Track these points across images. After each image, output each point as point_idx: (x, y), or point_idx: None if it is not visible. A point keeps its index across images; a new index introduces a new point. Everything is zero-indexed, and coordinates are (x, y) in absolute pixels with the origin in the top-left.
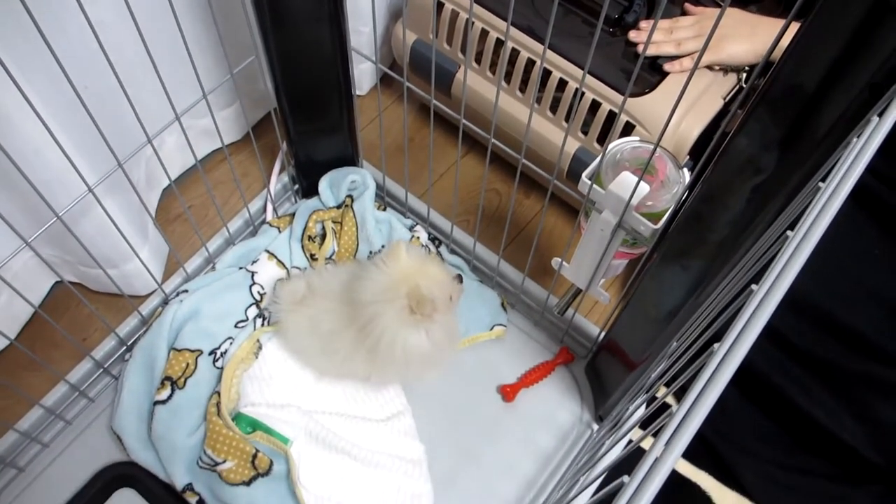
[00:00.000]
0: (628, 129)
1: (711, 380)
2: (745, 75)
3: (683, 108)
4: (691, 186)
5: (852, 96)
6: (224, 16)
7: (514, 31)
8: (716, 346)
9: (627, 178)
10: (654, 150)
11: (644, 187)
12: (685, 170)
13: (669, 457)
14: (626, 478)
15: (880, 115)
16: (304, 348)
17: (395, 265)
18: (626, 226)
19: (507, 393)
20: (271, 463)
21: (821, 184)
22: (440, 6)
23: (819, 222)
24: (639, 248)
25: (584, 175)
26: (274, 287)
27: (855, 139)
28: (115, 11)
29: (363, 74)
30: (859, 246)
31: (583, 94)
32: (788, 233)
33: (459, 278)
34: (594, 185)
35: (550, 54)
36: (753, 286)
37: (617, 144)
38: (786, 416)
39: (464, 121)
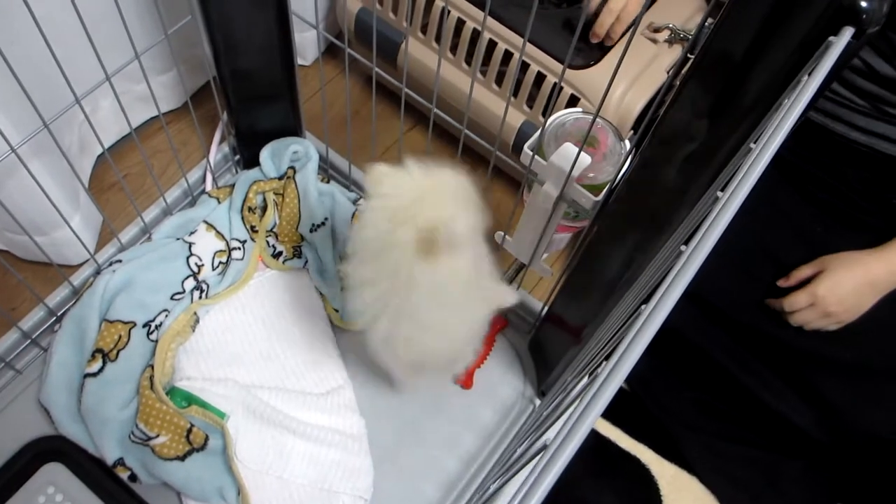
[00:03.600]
0: (573, 102)
1: (636, 337)
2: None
3: (627, 82)
4: (629, 158)
5: (783, 59)
6: None
7: (459, 1)
8: (643, 307)
9: (569, 150)
10: (594, 120)
11: (586, 158)
12: (627, 141)
13: (590, 414)
14: (548, 437)
15: (810, 73)
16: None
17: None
18: (567, 198)
19: (465, 381)
20: (207, 437)
21: (752, 145)
22: None
23: (745, 181)
24: (581, 222)
25: (525, 146)
26: None
27: (787, 101)
28: None
29: (308, 43)
30: (804, 224)
31: (528, 65)
32: (719, 193)
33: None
34: (536, 157)
35: (495, 24)
36: (683, 247)
37: (559, 116)
38: (731, 394)
39: (405, 89)
